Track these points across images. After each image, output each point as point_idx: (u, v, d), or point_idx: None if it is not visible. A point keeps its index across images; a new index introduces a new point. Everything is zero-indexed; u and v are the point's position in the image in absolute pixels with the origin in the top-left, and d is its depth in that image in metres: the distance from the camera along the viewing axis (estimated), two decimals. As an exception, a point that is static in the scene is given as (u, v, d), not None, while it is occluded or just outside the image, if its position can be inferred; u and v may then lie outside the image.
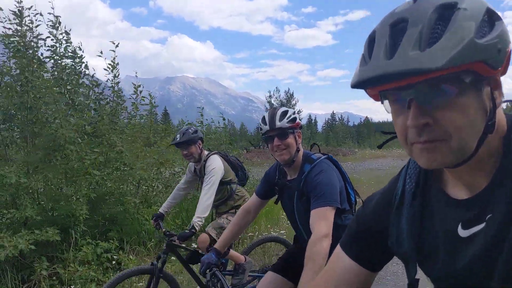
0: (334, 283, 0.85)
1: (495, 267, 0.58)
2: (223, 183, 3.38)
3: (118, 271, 3.94)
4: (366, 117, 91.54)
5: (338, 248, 0.88)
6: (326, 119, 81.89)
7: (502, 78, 0.62)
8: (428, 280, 0.77)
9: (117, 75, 5.55)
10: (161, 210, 3.49)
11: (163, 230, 3.15)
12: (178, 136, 3.30)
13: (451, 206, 0.68)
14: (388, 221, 0.79)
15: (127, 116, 6.23)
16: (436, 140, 0.59)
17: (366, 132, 69.06)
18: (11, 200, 4.15)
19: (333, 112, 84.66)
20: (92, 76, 5.42)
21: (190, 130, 3.32)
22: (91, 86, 5.34)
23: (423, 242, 0.74)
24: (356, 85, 0.62)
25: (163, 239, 3.37)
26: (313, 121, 69.73)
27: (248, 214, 2.31)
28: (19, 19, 4.47)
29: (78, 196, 4.35)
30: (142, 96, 6.13)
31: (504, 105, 0.65)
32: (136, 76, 6.78)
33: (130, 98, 6.03)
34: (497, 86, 0.61)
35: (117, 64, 5.51)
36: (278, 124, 1.97)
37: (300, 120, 2.07)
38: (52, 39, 4.87)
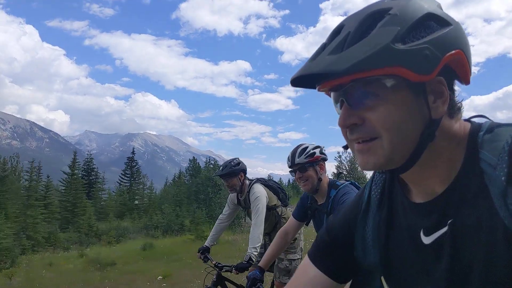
0: None
1: (470, 279, 0.56)
2: (269, 209, 3.44)
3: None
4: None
5: (306, 259, 0.86)
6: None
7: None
8: None
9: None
10: (206, 244, 3.63)
11: (213, 262, 3.25)
12: (221, 167, 3.49)
13: (413, 212, 0.67)
14: (355, 231, 0.78)
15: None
16: (369, 140, 0.59)
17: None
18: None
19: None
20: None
21: (232, 163, 3.45)
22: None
23: (390, 253, 0.71)
24: (292, 83, 0.63)
25: (212, 271, 3.22)
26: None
27: (287, 235, 2.67)
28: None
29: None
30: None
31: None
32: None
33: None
34: (441, 94, 0.59)
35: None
36: (297, 160, 2.37)
37: (322, 153, 2.40)
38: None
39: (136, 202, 43.84)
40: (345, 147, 0.73)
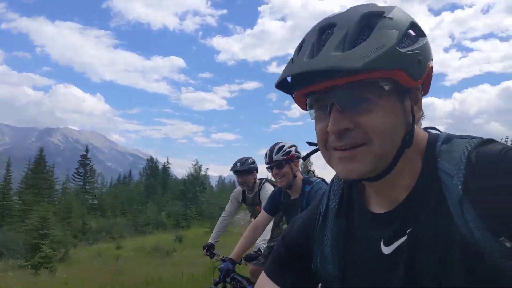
0: None
1: (425, 286, 0.57)
2: None
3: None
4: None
5: (262, 275, 0.84)
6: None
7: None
8: None
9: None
10: (210, 240, 3.73)
11: (221, 257, 3.32)
12: (238, 164, 3.67)
13: (373, 222, 0.67)
14: (313, 242, 0.76)
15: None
16: (357, 147, 0.58)
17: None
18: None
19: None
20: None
21: (249, 161, 3.68)
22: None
23: (349, 264, 0.70)
24: (280, 83, 0.61)
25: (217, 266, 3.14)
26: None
27: (257, 228, 2.86)
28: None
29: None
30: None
31: None
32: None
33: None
34: (417, 101, 0.62)
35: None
36: (274, 157, 2.61)
37: (297, 152, 2.66)
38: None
39: (91, 201, 43.66)
40: (304, 158, 0.79)
